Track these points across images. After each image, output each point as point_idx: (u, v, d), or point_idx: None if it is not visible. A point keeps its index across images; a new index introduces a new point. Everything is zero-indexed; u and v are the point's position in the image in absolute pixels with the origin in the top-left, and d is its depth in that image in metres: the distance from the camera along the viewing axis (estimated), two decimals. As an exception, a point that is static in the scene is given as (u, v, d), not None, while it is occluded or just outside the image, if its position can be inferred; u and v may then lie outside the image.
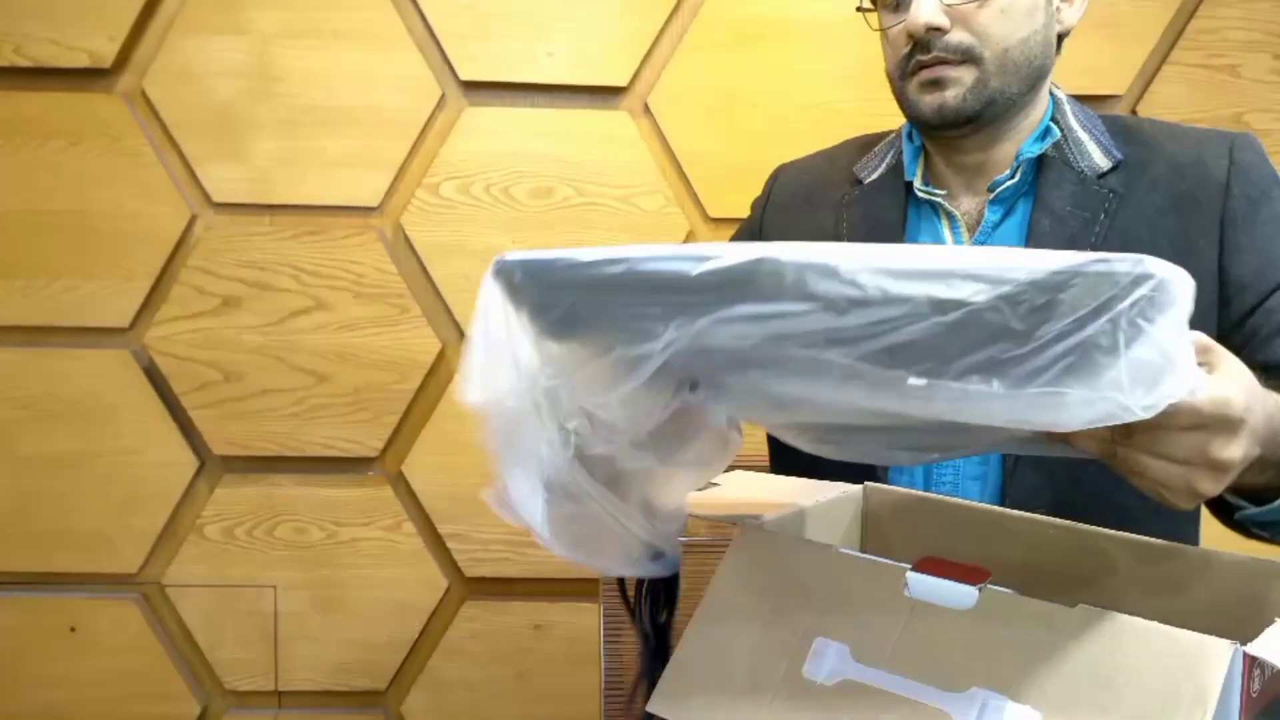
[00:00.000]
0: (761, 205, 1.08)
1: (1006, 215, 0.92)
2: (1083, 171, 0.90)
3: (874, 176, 0.99)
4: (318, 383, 1.64)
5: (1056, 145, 0.91)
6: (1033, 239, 0.88)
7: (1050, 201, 0.89)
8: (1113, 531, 0.68)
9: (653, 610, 0.72)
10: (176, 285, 1.62)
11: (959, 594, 0.56)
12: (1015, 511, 0.71)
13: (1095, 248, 0.87)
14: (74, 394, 1.62)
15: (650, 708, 0.62)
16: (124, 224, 1.60)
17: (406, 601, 1.67)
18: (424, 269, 1.64)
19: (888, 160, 0.99)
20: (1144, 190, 0.89)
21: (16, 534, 1.63)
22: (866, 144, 1.04)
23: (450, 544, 1.67)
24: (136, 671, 1.65)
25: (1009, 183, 0.91)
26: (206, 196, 1.61)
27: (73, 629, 1.64)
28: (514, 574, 1.67)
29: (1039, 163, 0.91)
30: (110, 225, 1.60)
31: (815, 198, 1.02)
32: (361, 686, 1.67)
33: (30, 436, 1.62)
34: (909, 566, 0.59)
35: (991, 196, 0.91)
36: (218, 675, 1.66)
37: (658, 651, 0.73)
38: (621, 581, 0.73)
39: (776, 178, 1.09)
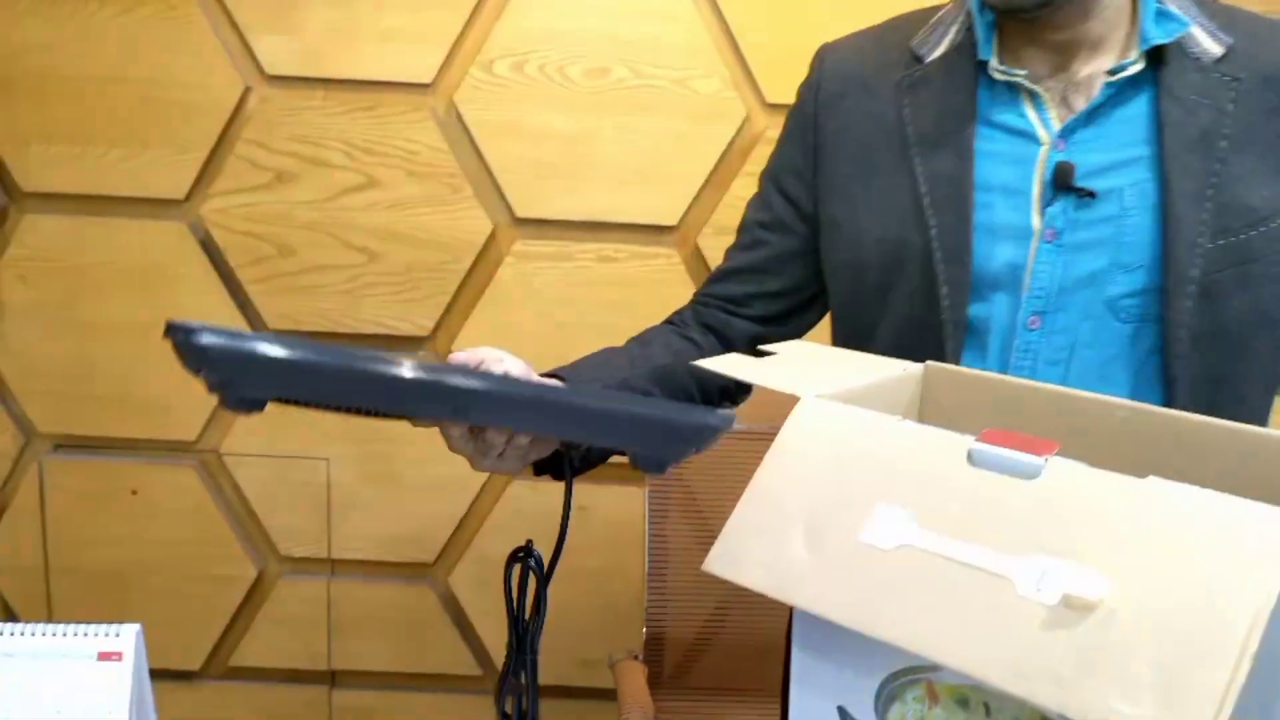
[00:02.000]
0: (813, 97, 1.00)
1: (1116, 102, 0.86)
2: (1199, 57, 0.85)
3: (936, 54, 0.92)
4: (369, 260, 1.64)
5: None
6: (1166, 131, 0.83)
7: (1176, 89, 0.84)
8: (1187, 414, 0.66)
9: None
10: (231, 158, 1.61)
11: (1025, 464, 0.55)
12: (1084, 392, 0.69)
13: (1229, 140, 0.83)
14: (133, 264, 1.64)
15: (705, 567, 0.62)
16: (178, 93, 1.59)
17: (454, 479, 1.69)
18: (476, 149, 1.62)
19: (951, 36, 0.92)
20: (1258, 84, 0.84)
21: (80, 399, 1.67)
22: (919, 19, 0.97)
23: (498, 424, 1.69)
24: (195, 535, 1.70)
25: (1134, 68, 0.85)
26: (259, 68, 1.59)
27: (134, 492, 1.68)
28: (560, 455, 1.69)
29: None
30: (164, 94, 1.59)
31: (871, 83, 0.95)
32: (411, 558, 1.71)
33: (91, 304, 1.64)
34: (974, 437, 0.58)
35: (1108, 79, 0.85)
36: (273, 541, 1.71)
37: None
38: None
39: (823, 61, 1.01)
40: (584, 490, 1.68)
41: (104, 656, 0.75)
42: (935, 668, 0.61)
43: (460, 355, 0.82)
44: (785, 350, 0.78)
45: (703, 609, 1.44)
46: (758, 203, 1.02)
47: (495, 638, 1.72)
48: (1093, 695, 0.48)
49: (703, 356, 0.99)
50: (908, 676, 0.63)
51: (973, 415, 0.73)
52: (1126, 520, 0.51)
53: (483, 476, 1.69)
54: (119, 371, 1.66)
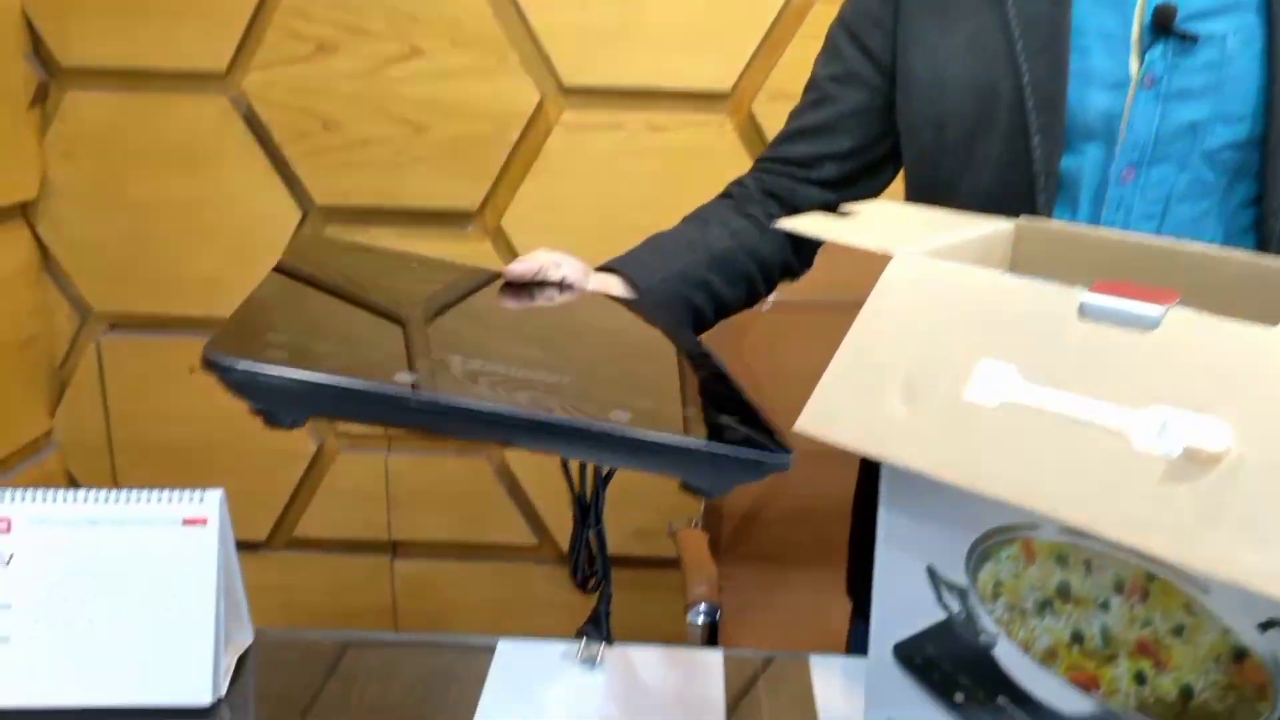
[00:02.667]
0: None
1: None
2: None
3: None
4: (415, 133, 1.60)
5: None
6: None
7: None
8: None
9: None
10: (270, 29, 1.57)
11: (1143, 315, 0.53)
12: (1192, 243, 0.66)
13: None
14: (177, 140, 1.61)
15: (798, 427, 0.61)
16: (215, -40, 1.54)
17: (507, 354, 1.69)
18: (522, 14, 1.56)
19: None
20: None
21: (133, 278, 1.67)
22: None
23: (549, 299, 1.67)
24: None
25: None
26: (296, -69, 1.53)
27: (192, 370, 1.70)
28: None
29: None
30: (201, -38, 1.54)
31: None
32: (465, 433, 1.72)
33: (138, 182, 1.63)
34: (1084, 289, 0.55)
35: None
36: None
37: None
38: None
39: None
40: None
41: (189, 522, 0.75)
42: (1032, 526, 0.60)
43: (517, 266, 0.81)
44: (866, 209, 0.75)
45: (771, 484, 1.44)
46: (827, 56, 0.97)
47: (551, 509, 1.74)
48: (1219, 546, 0.46)
49: (763, 234, 0.96)
50: (1002, 535, 0.62)
51: (1070, 272, 0.70)
52: (1253, 370, 0.49)
53: (535, 352, 1.68)
54: (169, 250, 1.65)
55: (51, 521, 0.75)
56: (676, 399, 0.62)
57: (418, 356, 0.58)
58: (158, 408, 1.72)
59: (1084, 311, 0.55)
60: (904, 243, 0.64)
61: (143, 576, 0.75)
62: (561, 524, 1.74)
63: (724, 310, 0.95)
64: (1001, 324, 0.57)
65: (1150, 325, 0.53)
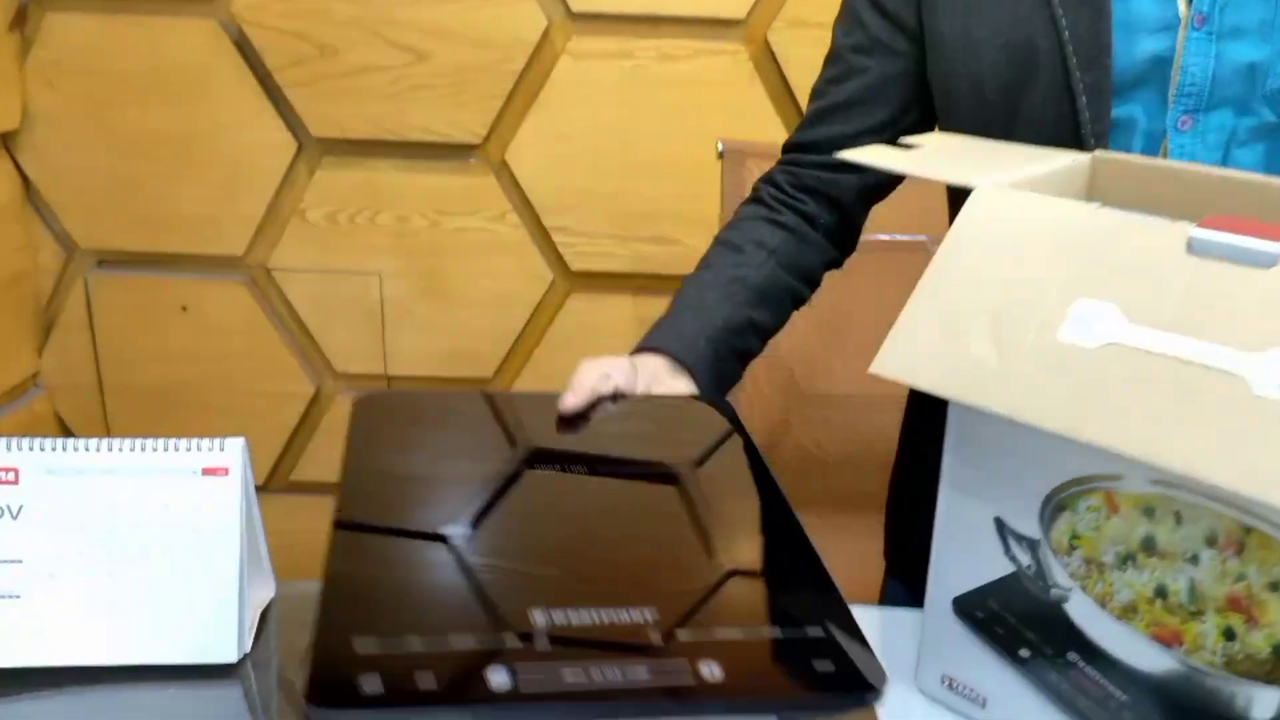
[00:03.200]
0: None
1: None
2: None
3: None
4: (416, 60, 1.53)
5: None
6: None
7: None
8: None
9: None
10: (261, -53, 1.49)
11: (1259, 251, 0.49)
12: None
13: None
14: (165, 68, 1.54)
15: (874, 369, 0.57)
16: (202, -126, 1.46)
17: (511, 293, 1.65)
18: (528, -65, 1.49)
19: None
20: None
21: (120, 214, 1.60)
22: None
23: (555, 236, 1.62)
24: (249, 351, 1.66)
25: None
26: None
27: (184, 309, 1.64)
28: (619, 268, 1.63)
29: None
30: (187, -125, 1.46)
31: None
32: (467, 374, 1.68)
33: (124, 112, 1.56)
34: (1191, 224, 0.51)
35: None
36: (328, 357, 1.68)
37: None
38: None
39: None
40: (647, 303, 1.63)
41: (209, 472, 0.71)
42: (1116, 476, 0.57)
43: (571, 400, 0.76)
44: (930, 141, 0.71)
45: (790, 422, 1.40)
46: (847, 25, 0.90)
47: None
48: (1355, 504, 0.43)
49: (801, 243, 0.90)
50: (1081, 486, 0.59)
51: (1154, 206, 0.66)
52: (1387, 313, 0.45)
53: (540, 289, 1.64)
54: (158, 184, 1.59)
55: (62, 471, 0.70)
56: (762, 615, 0.55)
57: (503, 627, 0.52)
58: (149, 348, 1.67)
59: (1193, 248, 0.51)
60: (982, 175, 0.60)
61: (161, 529, 0.71)
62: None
63: (772, 334, 0.91)
64: (1100, 261, 0.53)
65: (1267, 262, 0.49)
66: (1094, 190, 0.69)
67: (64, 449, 0.70)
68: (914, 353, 0.56)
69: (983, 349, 0.54)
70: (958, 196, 0.91)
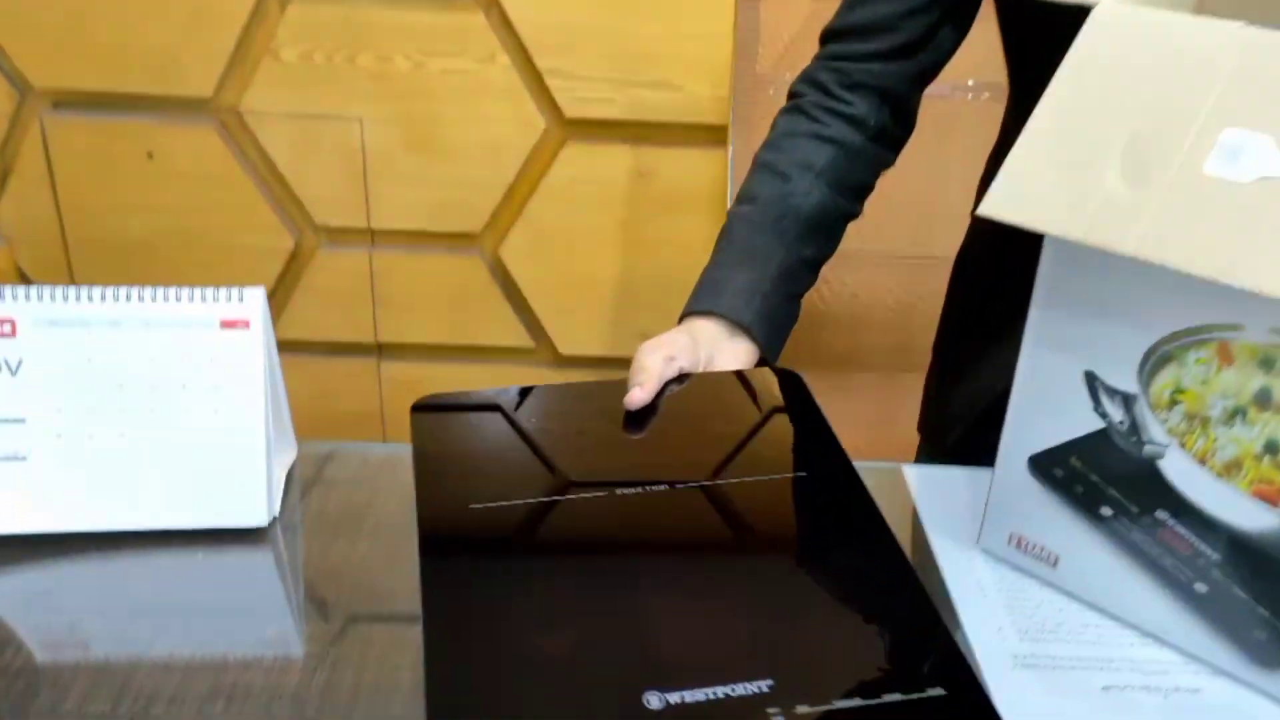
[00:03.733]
0: None
1: None
2: None
3: None
4: (396, -119, 1.40)
5: None
6: None
7: None
8: None
9: None
10: None
11: None
12: None
13: None
14: (116, -117, 1.39)
15: (983, 211, 0.52)
16: None
17: (501, 141, 1.56)
18: None
19: None
20: None
21: (77, 49, 1.48)
22: None
23: (549, 80, 1.52)
24: (223, 202, 1.57)
25: None
26: None
27: (150, 155, 1.54)
28: (618, 115, 1.55)
29: None
30: None
31: None
32: (456, 228, 1.61)
33: (74, -66, 1.42)
34: (1359, 44, 0.46)
35: None
36: (307, 210, 1.59)
37: None
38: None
39: None
40: (646, 155, 1.56)
41: (228, 325, 0.65)
42: (1234, 326, 0.53)
43: (638, 395, 0.69)
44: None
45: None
46: None
47: (549, 310, 1.66)
48: None
49: (851, 157, 0.82)
50: (1193, 336, 0.55)
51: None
52: None
53: (532, 137, 1.55)
54: (115, 16, 1.46)
55: (65, 323, 0.64)
56: (881, 678, 0.50)
57: (628, 703, 0.48)
58: (114, 197, 1.57)
59: (1363, 71, 0.46)
60: (1101, -8, 0.54)
61: (179, 387, 0.66)
62: (560, 325, 1.66)
63: (825, 262, 0.85)
64: (1253, 86, 0.48)
65: None
66: (1203, 9, 0.64)
67: (66, 298, 0.64)
68: (1031, 191, 0.51)
69: (1114, 185, 0.49)
70: (1015, 35, 0.84)
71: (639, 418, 0.69)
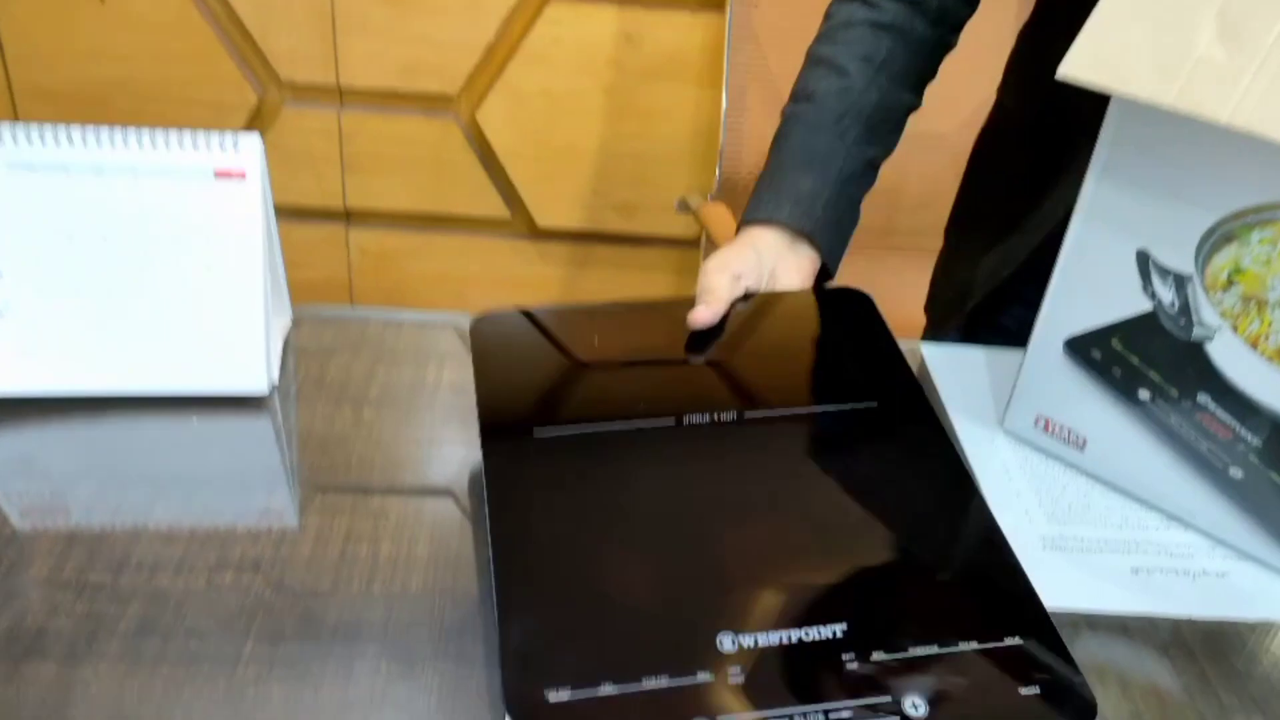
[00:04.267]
0: None
1: None
2: None
3: None
4: None
5: None
6: None
7: None
8: None
9: None
10: None
11: None
12: None
13: None
14: None
15: (1062, 74, 0.49)
16: None
17: (479, -4, 1.47)
18: None
19: None
20: None
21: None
22: None
23: (532, -70, 1.44)
24: (181, 53, 1.48)
25: None
26: None
27: (101, 0, 1.43)
28: (605, -27, 1.47)
29: None
30: None
31: None
32: (431, 90, 1.53)
33: None
34: None
35: None
36: (272, 66, 1.50)
37: None
38: None
39: None
40: (634, 17, 1.48)
41: (223, 175, 0.61)
42: (1306, 205, 0.51)
43: (704, 314, 0.65)
44: None
45: None
46: None
47: (526, 178, 1.60)
48: None
49: (912, 45, 0.76)
50: (1260, 215, 0.53)
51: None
52: None
53: (514, -5, 1.47)
54: None
55: (44, 168, 0.59)
56: (959, 627, 0.48)
57: (693, 661, 0.45)
58: (64, 44, 1.46)
59: None
60: None
61: (169, 241, 0.61)
62: (537, 195, 1.61)
63: (885, 159, 0.80)
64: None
65: None
66: None
67: (45, 140, 0.58)
68: (1117, 52, 0.48)
69: (1209, 47, 0.46)
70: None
71: (703, 340, 0.66)
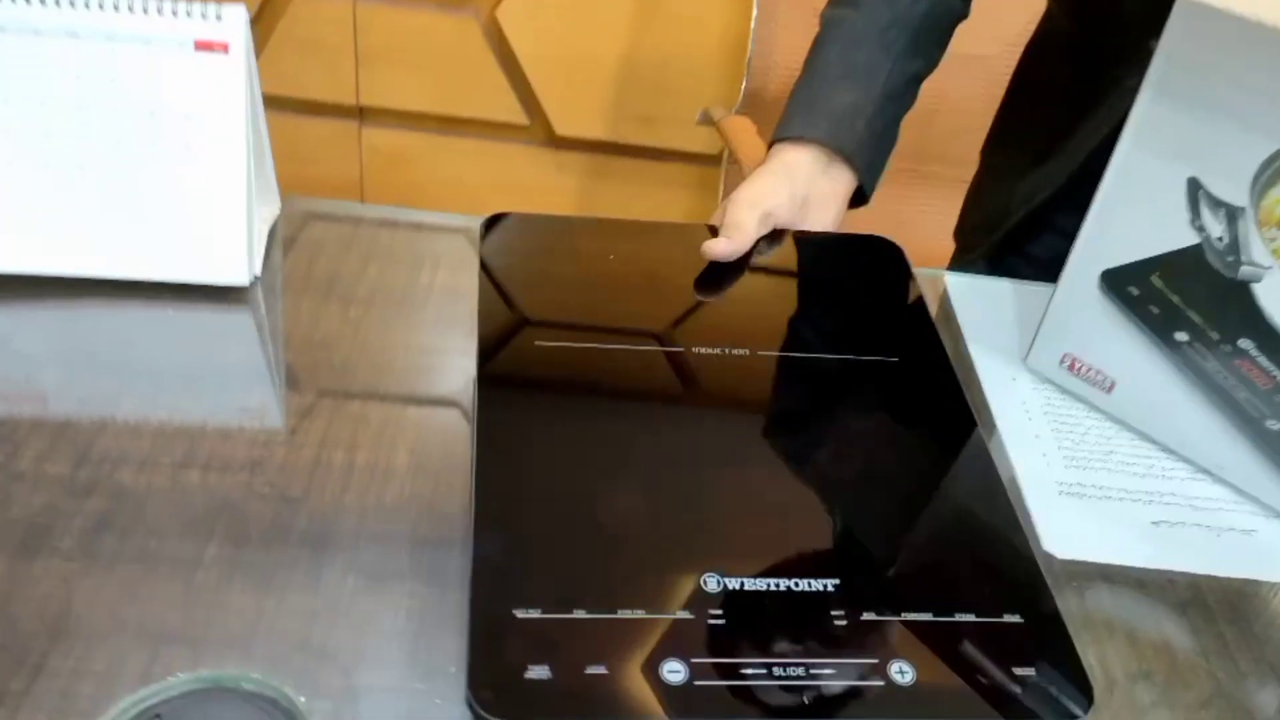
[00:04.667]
0: None
1: None
2: None
3: None
4: None
5: None
6: None
7: None
8: None
9: None
10: None
11: None
12: None
13: None
14: None
15: None
16: None
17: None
18: None
19: None
20: None
21: None
22: None
23: None
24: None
25: None
26: None
27: None
28: None
29: None
30: None
31: None
32: (450, -18, 1.47)
33: None
34: None
35: None
36: (286, -52, 1.44)
37: None
38: None
39: None
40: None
41: (204, 47, 0.56)
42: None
43: (723, 246, 0.61)
44: None
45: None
46: None
47: (546, 84, 1.54)
48: None
49: None
50: (1328, 146, 0.48)
51: None
52: None
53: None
54: None
55: (11, 29, 0.55)
56: (956, 596, 0.44)
57: (674, 599, 0.42)
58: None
59: None
60: None
61: (147, 115, 0.57)
62: (558, 103, 1.55)
63: (932, 73, 0.74)
64: None
65: None
66: None
67: (11, -2, 0.54)
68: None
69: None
70: None
71: (721, 273, 0.62)
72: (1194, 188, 0.54)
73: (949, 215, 0.94)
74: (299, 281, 0.64)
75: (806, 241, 0.66)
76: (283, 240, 0.66)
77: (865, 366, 0.56)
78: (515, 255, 0.60)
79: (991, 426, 0.60)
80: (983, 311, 0.70)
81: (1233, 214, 0.53)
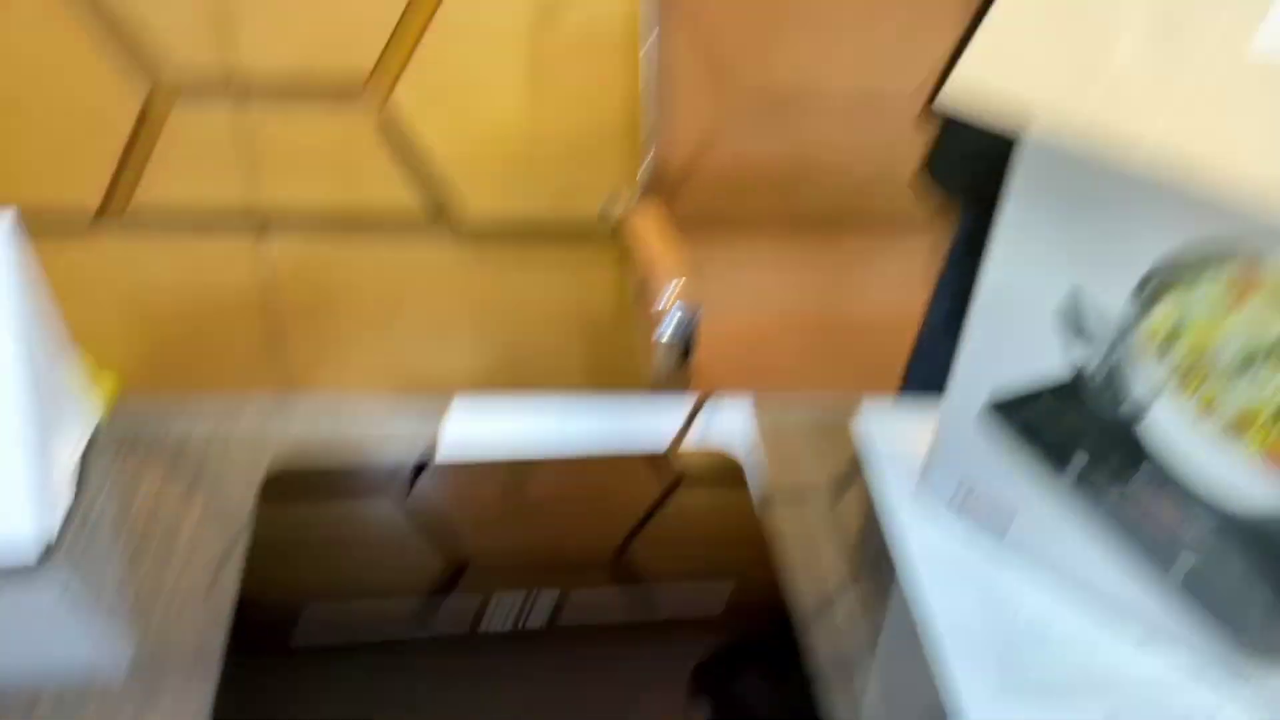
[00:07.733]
0: None
1: None
2: None
3: None
4: None
5: None
6: None
7: None
8: None
9: None
10: None
11: None
12: None
13: None
14: None
15: (951, 95, 0.40)
16: None
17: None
18: None
19: None
20: None
21: None
22: None
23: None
24: (44, 52, 1.38)
25: None
26: None
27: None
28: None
29: None
30: None
31: None
32: (339, 65, 1.44)
33: None
34: None
35: None
36: (154, 58, 1.41)
37: None
38: None
39: None
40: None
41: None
42: (1276, 239, 0.43)
43: None
44: None
45: (723, 128, 1.19)
46: None
47: (454, 170, 1.50)
48: None
49: None
50: (1216, 250, 0.45)
51: None
52: None
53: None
54: None
55: None
56: None
57: None
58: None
59: None
60: None
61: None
62: (464, 192, 1.52)
63: None
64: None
65: None
66: None
67: None
68: (1014, 68, 0.39)
69: (1126, 60, 0.37)
70: None
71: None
72: (1076, 295, 0.50)
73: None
74: (110, 528, 0.56)
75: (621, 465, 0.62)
76: (101, 460, 0.60)
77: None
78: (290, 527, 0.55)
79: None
80: (901, 449, 0.65)
81: (1111, 344, 0.49)
